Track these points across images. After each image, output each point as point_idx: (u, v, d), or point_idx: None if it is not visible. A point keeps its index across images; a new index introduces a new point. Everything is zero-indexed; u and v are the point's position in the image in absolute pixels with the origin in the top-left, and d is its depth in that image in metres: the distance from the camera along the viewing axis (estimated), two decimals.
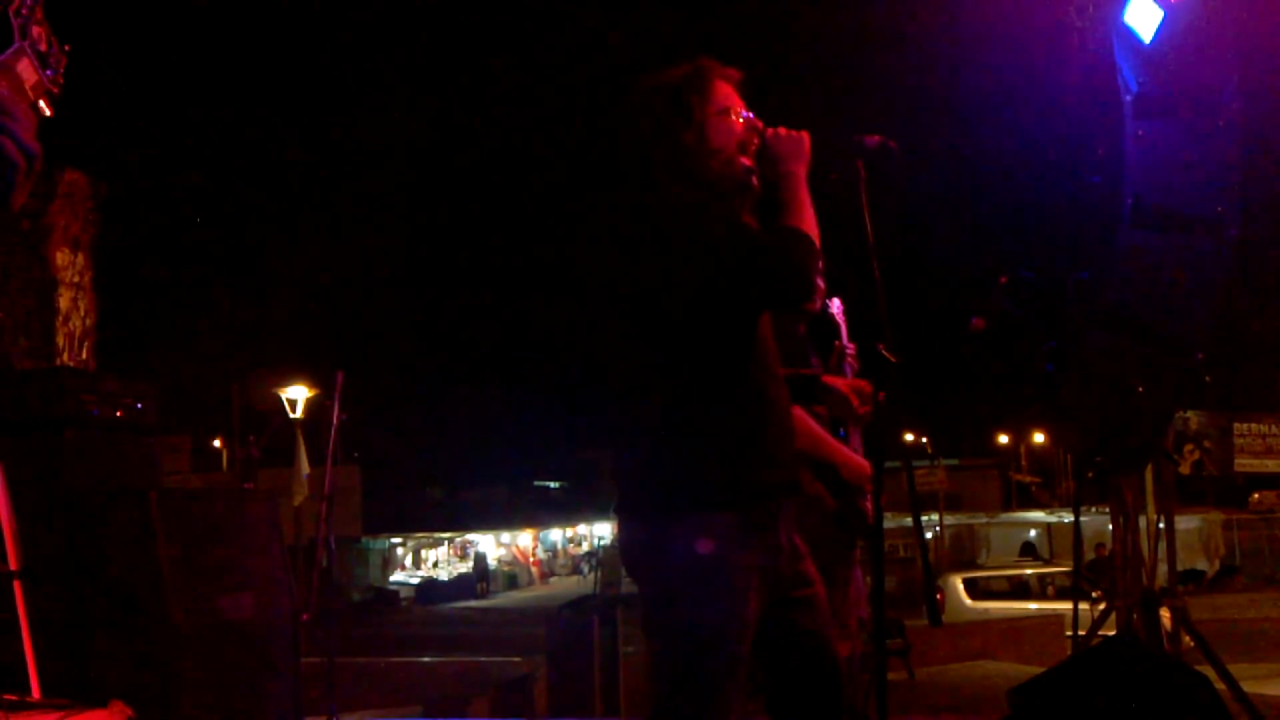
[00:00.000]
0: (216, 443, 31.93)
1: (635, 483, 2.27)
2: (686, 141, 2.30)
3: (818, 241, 2.28)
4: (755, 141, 2.36)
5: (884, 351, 2.40)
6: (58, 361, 5.60)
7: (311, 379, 18.47)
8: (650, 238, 2.25)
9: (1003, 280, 4.89)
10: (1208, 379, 4.71)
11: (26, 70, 1.58)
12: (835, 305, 3.88)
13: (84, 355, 5.79)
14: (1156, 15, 4.30)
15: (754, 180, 2.36)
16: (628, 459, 2.30)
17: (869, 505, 3.28)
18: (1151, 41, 4.35)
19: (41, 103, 1.59)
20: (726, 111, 2.35)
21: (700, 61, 2.38)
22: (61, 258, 5.75)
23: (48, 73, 1.62)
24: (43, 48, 1.63)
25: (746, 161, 2.35)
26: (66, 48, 1.67)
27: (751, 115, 2.38)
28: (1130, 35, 4.43)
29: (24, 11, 1.62)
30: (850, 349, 3.82)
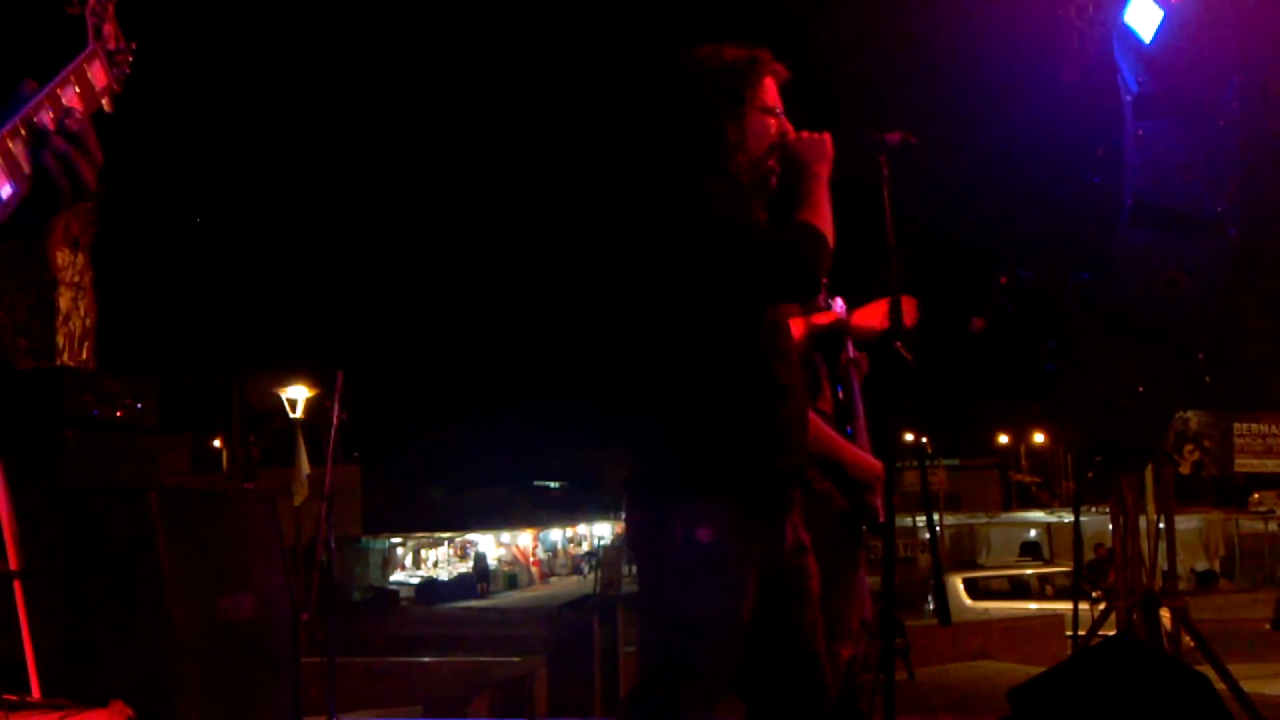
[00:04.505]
0: (216, 443, 31.90)
1: (643, 465, 2.27)
2: (729, 133, 2.31)
3: (832, 240, 2.28)
4: (780, 145, 2.37)
5: (901, 350, 2.40)
6: (58, 361, 5.59)
7: (311, 379, 18.48)
8: (670, 224, 2.26)
9: (1003, 280, 4.88)
10: (1208, 379, 4.70)
11: (97, 73, 1.55)
12: (838, 304, 3.87)
13: (84, 355, 5.79)
14: (1156, 15, 4.30)
15: (773, 181, 2.37)
16: (637, 441, 2.29)
17: (879, 503, 3.28)
18: (1151, 41, 4.35)
19: (104, 103, 1.57)
20: (770, 111, 2.37)
21: (758, 51, 2.38)
22: (61, 258, 5.75)
23: (114, 71, 1.59)
24: (112, 46, 1.60)
25: (771, 164, 2.36)
26: (133, 45, 1.65)
27: (785, 119, 2.40)
28: (1130, 35, 4.43)
29: (99, 11, 1.60)
30: (860, 358, 3.80)
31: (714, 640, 2.14)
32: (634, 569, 2.48)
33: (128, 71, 1.62)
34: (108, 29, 1.60)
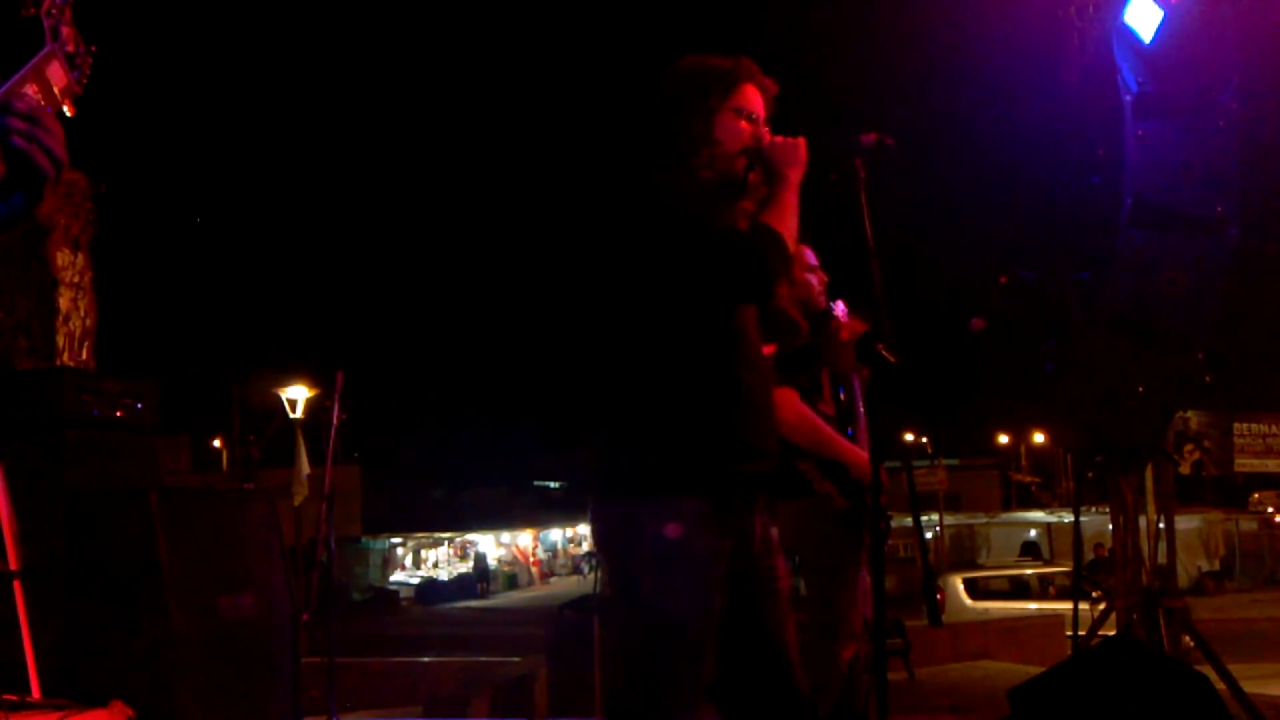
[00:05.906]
0: (216, 443, 31.93)
1: (607, 464, 2.27)
2: (694, 127, 2.33)
3: (792, 242, 2.28)
4: (755, 149, 2.38)
5: (884, 352, 2.40)
6: (58, 361, 5.59)
7: (311, 379, 18.46)
8: (628, 221, 2.28)
9: (1003, 280, 4.89)
10: (1208, 379, 4.70)
11: (56, 73, 1.56)
12: (839, 308, 3.87)
13: (84, 355, 5.79)
14: (1156, 15, 4.30)
15: (751, 178, 2.37)
16: (602, 440, 2.30)
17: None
18: (1151, 41, 4.35)
19: (66, 106, 1.58)
20: (740, 113, 2.37)
21: (741, 59, 2.41)
22: (61, 258, 5.75)
23: (74, 74, 1.61)
24: (70, 49, 1.62)
25: (743, 163, 2.36)
26: (93, 49, 1.66)
27: (765, 126, 2.40)
28: (1130, 35, 4.43)
29: (55, 13, 1.61)
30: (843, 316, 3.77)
31: (690, 633, 2.14)
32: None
33: (88, 74, 1.64)
34: (65, 31, 1.61)
